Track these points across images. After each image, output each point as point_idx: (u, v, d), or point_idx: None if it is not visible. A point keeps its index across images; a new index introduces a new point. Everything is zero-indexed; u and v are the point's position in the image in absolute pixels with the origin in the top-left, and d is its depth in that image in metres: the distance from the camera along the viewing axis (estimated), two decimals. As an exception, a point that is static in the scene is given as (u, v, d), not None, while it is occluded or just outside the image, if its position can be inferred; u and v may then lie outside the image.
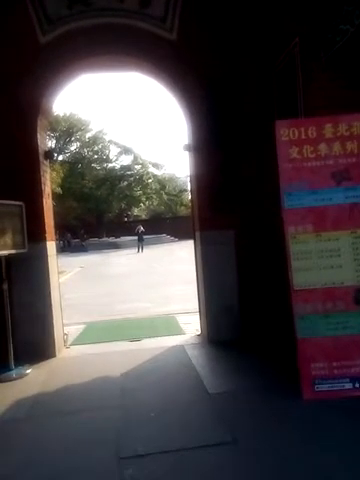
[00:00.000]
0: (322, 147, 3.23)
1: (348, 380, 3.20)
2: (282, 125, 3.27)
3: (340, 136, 3.25)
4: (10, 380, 4.04)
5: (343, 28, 3.30)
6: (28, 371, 4.22)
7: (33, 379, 4.06)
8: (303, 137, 3.24)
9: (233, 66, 4.73)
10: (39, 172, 4.67)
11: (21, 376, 4.12)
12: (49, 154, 5.14)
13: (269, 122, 3.41)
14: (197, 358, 4.39)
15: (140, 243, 27.01)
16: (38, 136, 4.67)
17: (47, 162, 5.08)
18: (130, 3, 4.54)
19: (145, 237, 28.64)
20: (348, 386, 3.19)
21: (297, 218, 3.25)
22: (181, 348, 4.77)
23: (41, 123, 4.78)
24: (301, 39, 3.73)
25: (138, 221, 42.13)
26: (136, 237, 27.71)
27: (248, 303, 4.80)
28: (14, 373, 4.14)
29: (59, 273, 5.34)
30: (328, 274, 3.23)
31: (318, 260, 3.24)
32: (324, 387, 3.20)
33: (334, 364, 3.21)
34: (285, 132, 3.25)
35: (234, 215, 4.82)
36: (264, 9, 4.45)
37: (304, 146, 3.24)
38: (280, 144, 3.26)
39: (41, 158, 4.75)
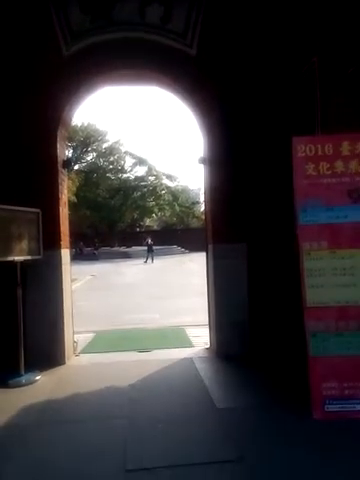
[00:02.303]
0: (338, 164, 3.24)
1: (359, 401, 3.13)
2: (299, 141, 3.29)
3: (357, 154, 3.26)
4: (20, 386, 4.06)
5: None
6: (38, 377, 4.24)
7: (42, 386, 4.08)
8: (320, 154, 3.26)
9: (251, 81, 4.78)
10: (57, 181, 4.76)
11: (31, 382, 4.14)
12: (67, 163, 5.24)
13: (286, 138, 3.43)
14: (206, 371, 4.36)
15: (149, 254, 27.18)
16: (58, 146, 4.77)
17: (65, 171, 5.17)
18: (151, 18, 4.65)
19: (155, 248, 28.73)
20: (359, 407, 3.13)
21: (312, 234, 3.24)
22: (190, 361, 4.74)
23: (61, 134, 4.89)
24: (320, 56, 3.76)
25: (150, 231, 42.34)
26: (153, 247, 27.96)
27: (259, 318, 4.76)
28: (24, 379, 4.16)
29: (71, 281, 5.37)
30: (342, 292, 3.20)
31: (332, 278, 3.22)
32: (335, 407, 3.15)
33: (345, 385, 3.17)
34: (302, 148, 3.26)
35: (247, 229, 4.82)
36: (283, 26, 4.51)
37: (320, 163, 3.25)
38: (296, 160, 3.28)
39: (59, 167, 4.85)
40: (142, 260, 26.81)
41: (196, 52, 4.75)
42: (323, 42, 3.77)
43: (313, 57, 3.76)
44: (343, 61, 3.57)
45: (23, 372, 4.22)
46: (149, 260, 26.58)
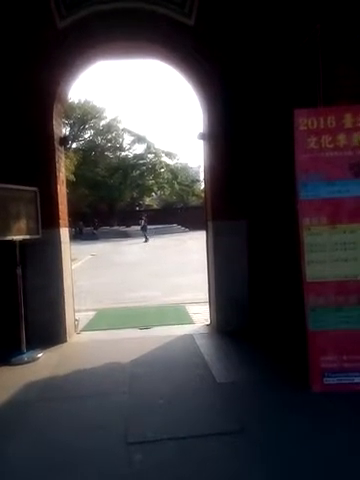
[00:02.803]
0: (341, 137, 3.17)
1: (358, 374, 3.18)
2: (301, 114, 3.21)
3: (360, 126, 3.17)
4: (22, 363, 4.11)
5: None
6: (39, 355, 4.29)
7: (44, 363, 4.13)
8: (322, 127, 3.18)
9: (251, 53, 4.64)
10: (54, 158, 4.68)
11: (33, 360, 4.19)
12: (64, 140, 5.14)
13: (287, 111, 3.34)
14: (206, 347, 4.40)
15: (145, 232, 27.26)
16: (54, 122, 4.67)
17: (62, 148, 5.08)
18: (149, -12, 4.47)
19: (155, 227, 28.76)
20: (357, 380, 3.17)
21: (312, 209, 3.21)
22: (190, 337, 4.78)
23: (57, 109, 4.78)
24: (322, 26, 3.63)
25: (145, 211, 42.17)
26: (148, 226, 27.99)
27: (258, 294, 4.78)
28: (26, 357, 4.20)
29: (71, 260, 5.37)
30: (342, 267, 3.19)
31: (332, 253, 3.20)
32: (333, 380, 3.19)
33: (344, 357, 3.20)
34: (303, 121, 3.19)
35: (247, 205, 4.78)
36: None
37: (322, 136, 3.18)
38: (298, 133, 3.20)
39: (56, 144, 4.76)
40: (142, 239, 26.84)
41: (194, 22, 4.59)
42: (326, 9, 3.63)
43: (316, 25, 3.62)
44: (347, 30, 3.44)
45: (25, 350, 4.26)
46: (144, 238, 26.68)
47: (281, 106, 4.30)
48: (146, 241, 26.14)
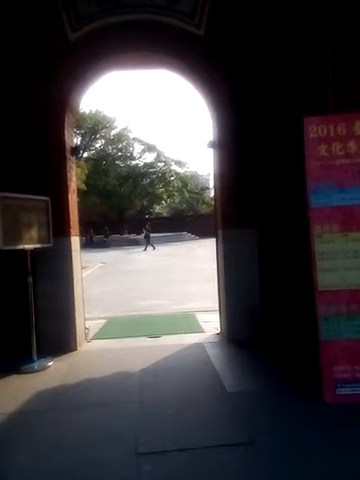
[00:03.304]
0: (352, 145, 3.15)
1: (372, 385, 3.11)
2: (311, 122, 3.20)
3: (371, 134, 3.15)
4: (32, 372, 4.11)
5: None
6: (50, 363, 4.30)
7: (54, 372, 4.13)
8: (332, 134, 3.16)
9: (260, 62, 4.66)
10: (65, 168, 4.73)
11: (43, 368, 4.19)
12: (75, 150, 5.21)
13: (297, 119, 3.34)
14: (216, 356, 4.37)
15: (147, 241, 27.37)
16: (65, 132, 4.74)
17: (73, 158, 5.14)
18: (159, -1, 4.54)
19: (165, 235, 28.79)
20: (372, 391, 3.11)
21: (323, 217, 3.18)
22: (200, 346, 4.75)
23: (68, 119, 4.85)
24: (332, 34, 3.63)
25: (159, 218, 42.29)
26: (157, 234, 28.04)
27: (269, 303, 4.74)
28: (36, 365, 4.21)
29: (81, 268, 5.40)
30: (354, 275, 3.15)
31: (344, 261, 3.16)
32: (346, 390, 3.13)
33: (357, 367, 3.14)
34: (314, 129, 3.18)
35: (257, 213, 4.76)
36: (294, 4, 4.36)
37: (333, 143, 3.16)
38: (308, 141, 3.19)
39: (68, 154, 4.82)
40: (150, 248, 26.86)
41: (204, 32, 4.64)
42: (336, 17, 3.63)
43: (325, 33, 3.62)
44: (357, 37, 3.43)
45: (36, 358, 4.27)
46: (149, 247, 26.75)
47: (291, 114, 4.29)
48: (145, 249, 26.23)
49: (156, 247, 26.65)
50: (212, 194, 26.92)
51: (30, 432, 2.93)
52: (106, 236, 34.65)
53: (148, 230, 28.81)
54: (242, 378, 3.77)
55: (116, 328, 5.94)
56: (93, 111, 38.13)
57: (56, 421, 3.09)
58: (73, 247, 4.81)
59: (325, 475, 2.29)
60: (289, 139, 4.27)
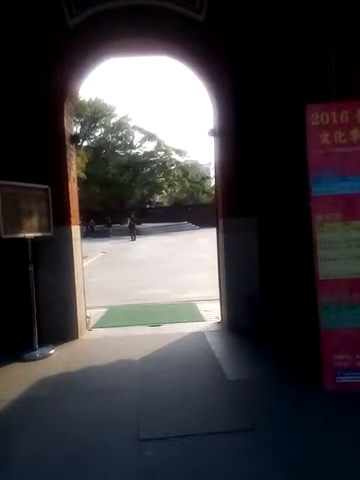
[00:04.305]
0: (354, 132, 3.11)
1: (372, 373, 3.13)
2: (313, 109, 3.16)
3: (374, 121, 3.12)
4: (34, 360, 4.14)
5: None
6: (51, 352, 4.32)
7: (56, 360, 4.16)
8: (334, 122, 3.13)
9: (262, 49, 4.59)
10: (65, 156, 4.70)
11: (45, 356, 4.22)
12: (75, 138, 5.16)
13: (299, 107, 3.29)
14: (217, 345, 4.39)
15: (132, 231, 27.36)
16: (65, 120, 4.69)
17: (73, 146, 5.10)
18: (158, -17, 4.45)
19: (166, 224, 28.76)
20: (372, 379, 3.13)
21: (325, 206, 3.16)
22: (201, 335, 4.77)
23: (68, 107, 4.80)
24: (335, 19, 3.57)
25: (161, 208, 42.17)
26: (158, 224, 28.00)
27: (269, 292, 4.75)
28: (38, 353, 4.24)
29: (82, 257, 5.40)
30: (355, 264, 3.14)
31: (345, 250, 3.15)
32: (346, 379, 3.15)
33: (357, 356, 3.15)
34: (316, 116, 3.14)
35: (258, 202, 4.75)
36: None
37: (335, 131, 3.13)
38: (310, 129, 3.16)
39: (67, 142, 4.77)
40: (153, 236, 26.92)
41: (205, 18, 4.55)
42: (339, 3, 3.56)
43: (328, 19, 3.55)
44: (360, 22, 3.37)
45: (37, 346, 4.30)
46: (131, 237, 26.81)
47: (293, 101, 4.25)
48: (134, 239, 26.20)
49: (155, 237, 26.72)
50: (213, 183, 26.83)
51: (33, 419, 2.96)
52: (108, 225, 34.59)
53: (133, 220, 28.84)
54: (242, 366, 3.79)
55: (117, 317, 5.97)
56: (93, 99, 37.86)
57: (58, 408, 3.12)
58: (74, 236, 4.80)
59: (325, 461, 2.32)
60: (291, 127, 4.23)
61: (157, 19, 4.54)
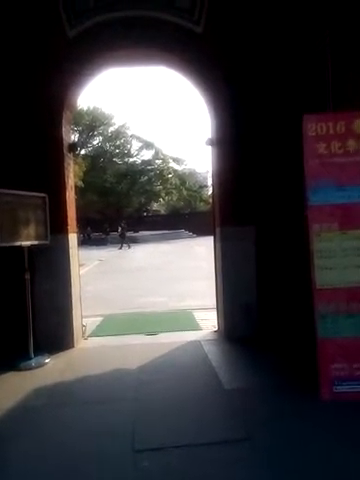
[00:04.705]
0: (351, 143, 3.14)
1: (369, 382, 3.12)
2: (310, 119, 3.19)
3: (370, 132, 3.15)
4: (30, 369, 4.10)
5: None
6: (47, 360, 4.29)
7: (52, 369, 4.13)
8: (331, 132, 3.16)
9: (260, 59, 4.65)
10: (63, 165, 4.71)
11: (40, 365, 4.19)
12: (73, 147, 5.17)
13: (295, 117, 3.33)
14: (213, 354, 4.37)
15: (123, 240, 27.31)
16: (63, 129, 4.71)
17: (71, 155, 5.11)
18: (157, -5, 4.51)
19: (163, 232, 28.77)
20: (369, 388, 3.11)
21: (322, 215, 3.18)
22: (198, 343, 4.75)
23: (66, 116, 4.82)
24: (332, 31, 3.62)
25: (158, 216, 42.20)
26: (155, 232, 27.97)
27: (267, 300, 4.75)
28: (33, 362, 4.20)
29: (79, 265, 5.39)
30: (353, 273, 3.15)
31: (343, 259, 3.16)
32: (344, 388, 3.13)
33: (355, 366, 3.14)
34: (312, 127, 3.17)
35: (255, 211, 4.77)
36: (294, 1, 4.35)
37: (332, 142, 3.15)
38: (307, 139, 3.18)
39: (65, 151, 4.79)
40: (150, 244, 26.90)
41: (203, 29, 4.62)
42: (336, 15, 3.62)
43: (325, 31, 3.61)
44: (357, 35, 3.42)
45: (33, 355, 4.26)
46: (124, 246, 26.71)
47: (290, 112, 4.29)
48: (121, 248, 26.18)
49: (152, 245, 26.69)
50: (210, 192, 26.95)
51: (29, 428, 2.93)
52: (106, 233, 34.52)
53: (124, 228, 28.86)
54: (239, 375, 3.77)
55: (113, 325, 5.93)
56: (91, 108, 38.04)
57: (54, 417, 3.09)
58: (70, 244, 4.79)
59: (322, 471, 2.30)
60: (288, 137, 4.26)
61: (156, 30, 4.59)
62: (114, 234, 35.69)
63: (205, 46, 4.65)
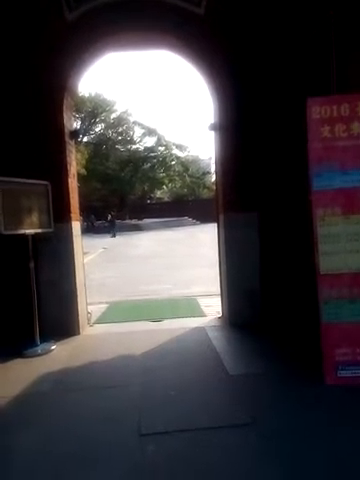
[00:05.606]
0: (355, 126, 3.09)
1: (373, 367, 3.13)
2: (314, 102, 3.14)
3: (375, 114, 3.09)
4: (36, 355, 4.15)
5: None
6: (53, 347, 4.33)
7: (58, 355, 4.17)
8: (335, 115, 3.11)
9: (263, 42, 4.56)
10: (64, 152, 4.68)
11: (46, 352, 4.23)
12: (75, 134, 5.13)
13: (300, 100, 3.27)
14: (218, 340, 4.39)
15: (112, 228, 27.39)
16: (64, 115, 4.67)
17: (72, 142, 5.08)
18: (158, -24, 4.41)
19: (166, 219, 28.72)
20: (373, 373, 3.13)
21: (326, 200, 3.15)
22: (202, 330, 4.78)
23: (67, 102, 4.77)
24: (336, 12, 3.53)
25: (161, 203, 42.05)
26: (159, 219, 27.95)
27: (271, 286, 4.75)
28: (39, 349, 4.25)
29: (83, 253, 5.40)
30: (356, 258, 3.13)
31: (346, 244, 3.14)
32: (347, 373, 3.15)
33: (358, 350, 3.15)
34: (316, 110, 3.12)
35: (259, 197, 4.73)
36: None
37: (336, 125, 3.10)
38: (311, 122, 3.14)
39: (67, 138, 4.75)
40: (154, 232, 26.91)
41: (204, 11, 4.52)
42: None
43: (329, 11, 3.52)
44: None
45: (39, 342, 4.31)
46: (111, 234, 26.81)
47: (293, 95, 4.22)
48: (114, 236, 26.20)
49: (155, 232, 26.68)
50: (213, 178, 26.79)
51: (35, 414, 2.97)
52: (111, 221, 34.42)
53: (113, 216, 28.82)
54: (243, 361, 3.80)
55: (118, 312, 5.97)
56: (92, 94, 37.63)
57: (60, 403, 3.13)
58: (74, 232, 4.79)
59: (325, 454, 2.32)
60: (292, 121, 4.21)
61: (156, 12, 4.50)
62: (117, 222, 35.69)
63: (207, 28, 4.56)
